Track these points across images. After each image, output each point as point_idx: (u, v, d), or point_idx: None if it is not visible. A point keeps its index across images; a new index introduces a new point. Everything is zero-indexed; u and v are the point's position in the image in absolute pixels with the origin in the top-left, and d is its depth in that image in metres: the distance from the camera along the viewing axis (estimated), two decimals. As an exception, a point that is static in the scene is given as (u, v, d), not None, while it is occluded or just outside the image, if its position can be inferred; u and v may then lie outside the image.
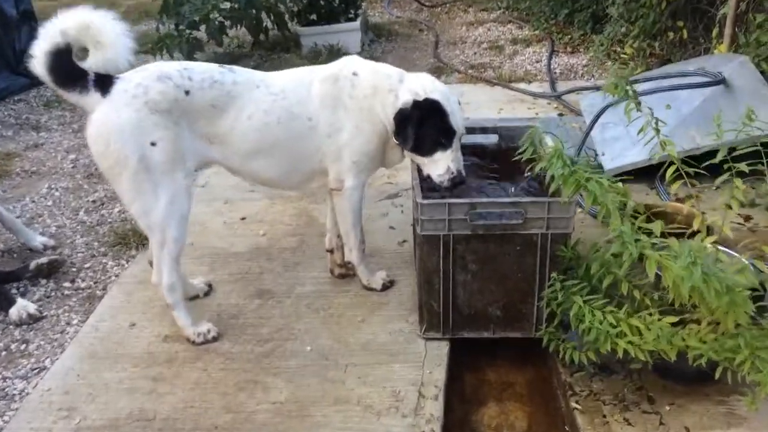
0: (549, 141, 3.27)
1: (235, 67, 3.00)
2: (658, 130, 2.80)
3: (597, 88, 5.73)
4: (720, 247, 2.56)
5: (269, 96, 2.95)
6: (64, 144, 5.48)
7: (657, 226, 2.52)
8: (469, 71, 6.91)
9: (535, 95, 6.03)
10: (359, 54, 7.90)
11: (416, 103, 2.96)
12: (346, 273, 3.45)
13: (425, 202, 2.79)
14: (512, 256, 2.85)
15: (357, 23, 7.60)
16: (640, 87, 5.14)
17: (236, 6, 6.83)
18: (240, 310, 3.25)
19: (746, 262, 2.43)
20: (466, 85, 6.49)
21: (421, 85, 3.04)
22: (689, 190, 4.22)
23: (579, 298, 2.59)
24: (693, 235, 2.65)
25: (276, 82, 3.01)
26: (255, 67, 7.95)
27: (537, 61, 7.12)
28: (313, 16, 7.61)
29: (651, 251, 2.26)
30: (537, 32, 8.10)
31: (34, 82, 6.80)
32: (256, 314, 3.22)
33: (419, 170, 3.08)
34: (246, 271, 3.58)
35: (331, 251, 3.46)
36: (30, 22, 7.08)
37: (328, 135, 3.03)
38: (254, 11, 7.13)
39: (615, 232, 2.39)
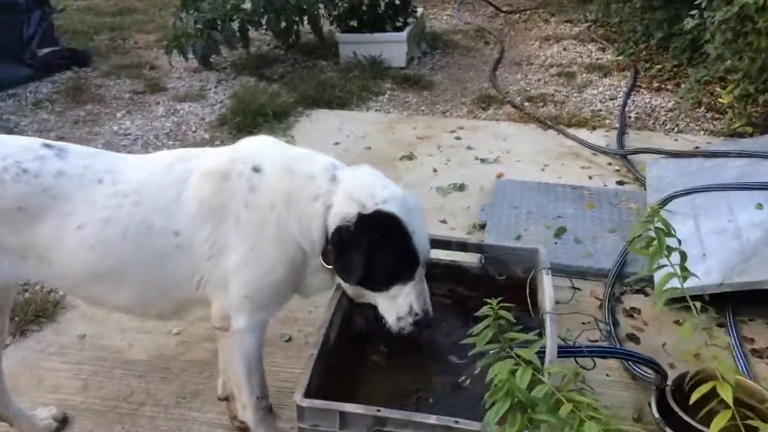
0: (547, 289, 2.18)
1: (70, 147, 2.06)
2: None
3: (674, 154, 4.45)
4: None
5: (114, 198, 2.00)
6: (26, 160, 4.74)
7: None
8: (525, 104, 5.72)
9: (595, 150, 4.79)
10: (403, 70, 6.89)
11: (363, 219, 2.01)
12: (246, 428, 2.48)
13: (305, 404, 1.78)
14: (444, 497, 1.80)
15: (404, 34, 6.51)
16: (725, 170, 3.88)
17: (257, 7, 5.92)
18: (82, 472, 2.36)
19: None
20: (514, 125, 5.31)
21: (367, 189, 2.06)
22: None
23: None
24: None
25: (130, 176, 2.05)
26: (283, 75, 7.17)
27: (611, 98, 5.83)
28: (354, 22, 6.59)
29: None
30: (621, 58, 6.76)
31: (38, 74, 6.21)
32: (99, 484, 2.32)
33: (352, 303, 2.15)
34: (126, 396, 2.67)
35: (226, 399, 2.50)
36: (42, 7, 6.44)
37: (207, 257, 2.06)
38: (285, 12, 6.19)
39: None
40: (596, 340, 2.97)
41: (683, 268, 1.68)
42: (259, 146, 2.19)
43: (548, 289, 2.16)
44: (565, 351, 2.12)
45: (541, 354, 1.90)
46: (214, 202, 2.05)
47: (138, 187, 2.03)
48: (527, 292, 2.17)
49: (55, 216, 1.96)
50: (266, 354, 2.85)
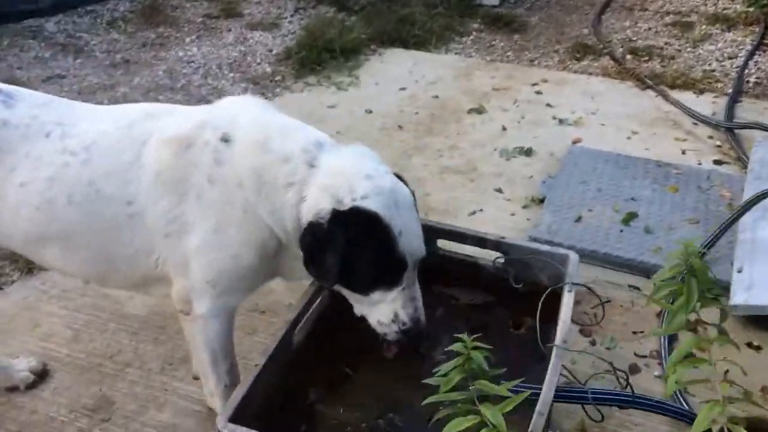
0: (564, 312, 1.78)
1: (19, 92, 1.82)
2: None
3: (789, 133, 3.75)
4: None
5: (61, 155, 1.76)
6: (86, 81, 4.65)
7: None
8: (626, 57, 5.04)
9: (696, 118, 4.13)
10: (496, 8, 6.25)
11: (338, 216, 1.67)
12: (221, 410, 2.27)
13: (226, 431, 1.50)
14: None
15: (500, -33, 5.89)
16: None
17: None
18: (46, 435, 2.23)
19: None
20: (607, 81, 4.68)
21: (346, 180, 1.71)
22: None
23: None
24: None
25: (83, 128, 1.79)
26: (364, 6, 6.44)
27: (730, 57, 5.03)
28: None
29: None
30: (751, 9, 5.82)
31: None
32: (61, 451, 2.18)
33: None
34: (113, 353, 2.52)
35: (198, 378, 2.28)
36: None
37: (165, 234, 1.80)
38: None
39: None
40: (645, 356, 2.54)
41: (721, 330, 1.24)
42: (238, 110, 1.87)
43: (566, 312, 1.74)
44: (566, 397, 1.72)
45: (535, 397, 1.53)
46: (174, 173, 1.77)
47: (89, 144, 1.78)
48: (538, 311, 1.76)
49: (-3, 169, 1.75)
50: (268, 325, 2.65)
